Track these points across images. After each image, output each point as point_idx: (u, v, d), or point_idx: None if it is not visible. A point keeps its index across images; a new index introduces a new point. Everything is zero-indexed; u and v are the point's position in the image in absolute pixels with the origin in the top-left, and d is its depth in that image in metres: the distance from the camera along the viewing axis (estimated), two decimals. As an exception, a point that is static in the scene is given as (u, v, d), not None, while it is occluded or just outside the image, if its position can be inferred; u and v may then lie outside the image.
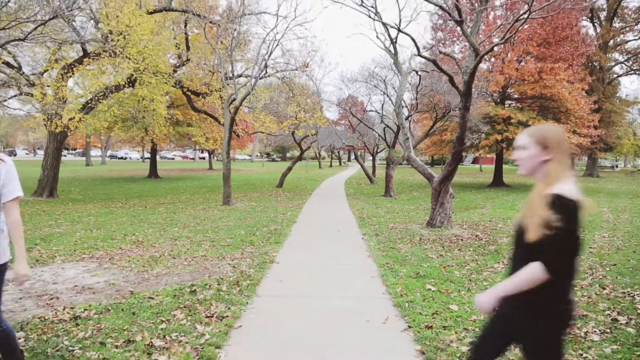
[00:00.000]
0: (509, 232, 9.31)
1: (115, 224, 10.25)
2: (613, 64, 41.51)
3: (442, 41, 28.98)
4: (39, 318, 4.02)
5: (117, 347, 3.44)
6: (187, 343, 3.49)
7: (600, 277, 5.78)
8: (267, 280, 5.42)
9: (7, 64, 15.84)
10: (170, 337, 3.62)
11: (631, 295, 4.98)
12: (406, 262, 6.42)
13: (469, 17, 11.46)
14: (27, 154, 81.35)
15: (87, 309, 4.24)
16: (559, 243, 1.84)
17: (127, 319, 4.00)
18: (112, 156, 74.44)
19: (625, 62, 42.32)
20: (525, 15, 7.07)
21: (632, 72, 42.99)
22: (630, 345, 3.60)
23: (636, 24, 39.04)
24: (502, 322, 2.14)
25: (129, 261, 6.39)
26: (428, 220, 9.84)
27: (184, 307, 4.32)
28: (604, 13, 40.10)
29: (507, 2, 20.61)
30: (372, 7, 9.48)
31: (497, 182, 27.29)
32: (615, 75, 42.61)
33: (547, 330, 1.95)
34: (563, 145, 2.04)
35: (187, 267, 6.06)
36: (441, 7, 8.19)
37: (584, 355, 3.41)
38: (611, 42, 39.67)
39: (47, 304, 4.52)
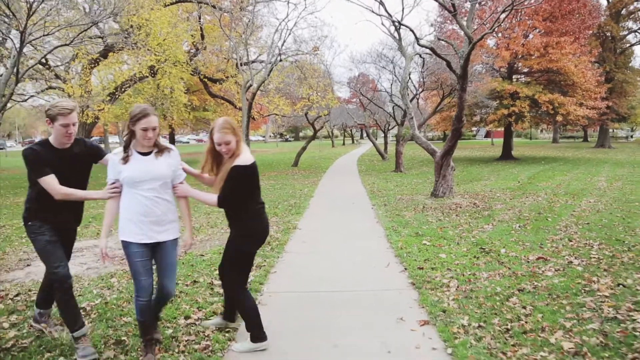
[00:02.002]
0: (504, 200, 10.35)
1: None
2: (626, 32, 41.16)
3: (449, 18, 29.52)
4: (123, 270, 5.25)
5: (187, 285, 4.66)
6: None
7: (572, 232, 6.84)
8: (292, 241, 6.62)
9: (41, 63, 17.03)
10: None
11: (591, 245, 6.04)
12: (408, 225, 7.55)
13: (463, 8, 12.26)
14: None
15: (155, 264, 5.47)
16: None
17: (188, 269, 5.21)
18: (129, 142, 76.04)
19: (639, 31, 41.76)
20: (509, 8, 7.99)
21: (646, 41, 42.40)
22: (574, 277, 4.69)
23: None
24: None
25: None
26: (432, 192, 10.91)
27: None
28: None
29: None
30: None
31: (506, 155, 28.02)
32: (628, 45, 42.21)
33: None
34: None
35: (225, 234, 7.26)
36: (436, 1, 9.11)
37: (536, 284, 4.52)
38: (624, 11, 39.41)
39: (120, 263, 5.74)
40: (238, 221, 3.27)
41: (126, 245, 2.99)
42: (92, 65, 17.32)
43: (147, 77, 18.65)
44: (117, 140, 66.61)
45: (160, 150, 3.05)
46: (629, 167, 19.56)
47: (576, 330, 3.43)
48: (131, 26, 15.99)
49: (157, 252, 3.07)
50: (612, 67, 37.75)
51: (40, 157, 3.08)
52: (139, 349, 3.22)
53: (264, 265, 5.31)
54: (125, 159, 2.95)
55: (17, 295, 4.47)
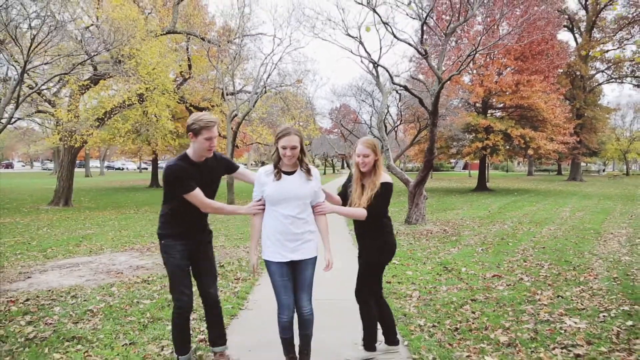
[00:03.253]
0: (473, 227, 11.11)
1: (137, 226, 11.96)
2: (594, 72, 43.30)
3: (429, 54, 30.97)
4: (120, 281, 5.77)
5: (180, 294, 5.20)
6: (227, 290, 5.26)
7: (528, 255, 7.58)
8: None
9: (31, 88, 17.53)
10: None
11: (542, 265, 6.78)
12: (381, 248, 8.20)
13: (433, 52, 13.28)
14: (23, 166, 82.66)
15: (150, 276, 6.00)
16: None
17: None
18: (109, 167, 75.78)
19: (606, 71, 43.88)
20: (474, 51, 8.93)
21: (613, 80, 44.54)
22: (522, 291, 5.39)
23: (614, 35, 40.72)
24: None
25: (164, 250, 8.13)
26: (405, 219, 11.62)
27: (219, 274, 6.07)
28: (584, 24, 41.90)
29: (466, 35, 22.60)
30: (357, 37, 11.34)
31: (481, 186, 29.07)
32: (596, 84, 44.30)
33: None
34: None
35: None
36: (410, 44, 10.04)
37: (488, 295, 5.19)
38: (591, 52, 41.62)
39: (116, 276, 6.25)
40: (378, 235, 3.45)
41: (267, 264, 3.14)
42: (82, 91, 17.86)
43: (134, 104, 19.28)
44: (98, 165, 66.55)
45: (305, 171, 3.15)
46: (596, 199, 20.65)
47: (513, 329, 4.10)
48: (122, 55, 16.68)
49: (295, 270, 3.17)
50: (582, 104, 39.63)
51: (187, 172, 3.12)
52: (147, 342, 3.77)
53: (249, 279, 5.89)
54: (276, 176, 3.08)
55: (26, 300, 4.97)
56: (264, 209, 3.17)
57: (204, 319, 3.60)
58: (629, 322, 4.24)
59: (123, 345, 3.71)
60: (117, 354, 3.53)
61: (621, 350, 3.63)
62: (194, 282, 3.35)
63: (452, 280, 5.90)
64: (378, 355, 3.55)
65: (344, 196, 3.62)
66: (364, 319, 3.57)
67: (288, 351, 3.24)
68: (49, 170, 65.72)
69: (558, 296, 5.16)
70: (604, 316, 4.45)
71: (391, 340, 3.59)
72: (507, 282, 5.83)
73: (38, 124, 26.74)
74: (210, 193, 3.29)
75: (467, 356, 3.52)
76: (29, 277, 6.22)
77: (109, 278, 6.11)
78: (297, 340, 3.26)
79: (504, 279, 6.00)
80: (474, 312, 4.58)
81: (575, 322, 4.26)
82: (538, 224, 11.76)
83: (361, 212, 3.36)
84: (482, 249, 8.14)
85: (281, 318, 3.15)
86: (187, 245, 3.25)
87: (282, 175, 3.11)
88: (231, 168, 3.55)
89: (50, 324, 4.21)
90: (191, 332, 3.84)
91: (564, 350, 3.63)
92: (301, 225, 3.11)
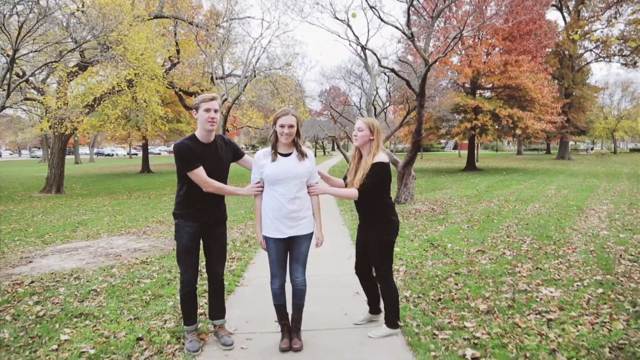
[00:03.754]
0: (460, 206, 11.43)
1: (131, 211, 12.13)
2: (582, 51, 43.52)
3: (417, 36, 31.02)
4: (120, 263, 6.00)
5: (179, 274, 5.42)
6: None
7: (511, 231, 7.90)
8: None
9: (18, 75, 17.44)
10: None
11: (524, 240, 7.10)
12: (371, 227, 8.49)
13: (422, 33, 13.42)
14: (10, 154, 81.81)
15: (148, 258, 6.24)
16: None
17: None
18: (98, 153, 75.28)
19: (594, 50, 44.05)
20: (459, 34, 9.12)
21: (601, 59, 44.70)
22: (503, 264, 5.70)
23: (603, 13, 40.80)
24: None
25: (160, 233, 8.36)
26: (395, 198, 11.90)
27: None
28: (572, 3, 41.95)
29: (454, 16, 22.69)
30: (344, 20, 11.47)
31: (470, 166, 29.45)
32: (585, 63, 44.52)
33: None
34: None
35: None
36: (396, 28, 10.20)
37: (471, 269, 5.49)
38: (580, 31, 41.75)
39: (115, 259, 6.47)
40: (379, 215, 3.58)
41: (266, 240, 3.39)
42: (70, 78, 17.80)
43: (123, 89, 19.24)
44: (87, 151, 66.22)
45: (300, 153, 3.36)
46: (582, 177, 21.09)
47: (492, 298, 4.40)
48: (110, 41, 16.61)
49: (291, 245, 3.42)
50: (570, 83, 39.97)
51: (192, 150, 3.27)
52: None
53: (244, 258, 6.14)
54: (273, 157, 3.30)
55: (31, 282, 5.19)
56: (262, 191, 3.37)
57: (205, 294, 3.84)
58: (600, 290, 4.56)
59: (128, 320, 3.95)
60: (124, 328, 3.77)
61: (589, 314, 3.94)
62: (202, 259, 3.57)
63: (437, 256, 6.20)
64: (398, 331, 3.66)
65: (346, 178, 3.75)
66: (385, 297, 3.66)
67: (281, 317, 3.52)
68: (37, 158, 65.25)
69: (537, 268, 5.47)
70: (577, 285, 4.77)
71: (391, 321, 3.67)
72: (490, 256, 6.14)
73: (25, 111, 26.59)
74: (219, 176, 3.42)
75: (448, 322, 3.81)
76: (30, 262, 6.42)
77: (108, 260, 6.34)
78: (289, 310, 3.52)
79: (487, 253, 6.31)
80: (457, 284, 4.88)
81: (551, 292, 4.57)
82: (524, 201, 12.10)
83: (351, 193, 3.49)
84: (467, 226, 8.45)
85: (272, 286, 3.45)
86: (198, 228, 3.40)
87: (279, 156, 3.32)
88: (238, 154, 3.67)
89: (57, 303, 4.44)
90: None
91: (538, 316, 3.93)
92: (298, 203, 3.33)
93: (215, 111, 3.31)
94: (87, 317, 4.02)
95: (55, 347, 3.44)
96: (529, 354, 3.18)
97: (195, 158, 3.28)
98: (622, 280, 4.88)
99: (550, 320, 3.82)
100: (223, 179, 3.47)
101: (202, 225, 3.42)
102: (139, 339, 3.56)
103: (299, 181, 3.34)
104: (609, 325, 3.67)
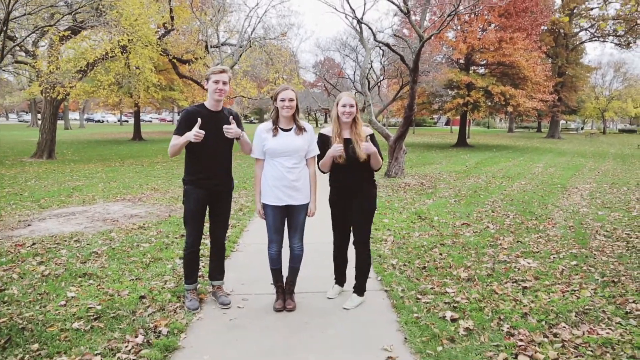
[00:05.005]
0: (449, 181, 11.71)
1: (125, 178, 12.26)
2: (578, 30, 43.41)
3: (413, 10, 30.74)
4: (118, 228, 6.20)
5: (176, 238, 5.66)
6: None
7: (496, 206, 8.20)
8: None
9: (10, 38, 17.16)
10: (205, 234, 5.86)
11: (507, 215, 7.41)
12: (361, 199, 8.74)
13: (417, 6, 13.42)
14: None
15: (145, 223, 6.45)
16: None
17: (175, 227, 6.22)
18: (88, 119, 74.40)
19: (589, 29, 43.93)
20: (453, 12, 9.20)
21: (595, 38, 44.65)
22: (486, 237, 5.99)
23: (599, -8, 40.41)
24: None
25: (155, 200, 8.55)
26: (385, 172, 12.15)
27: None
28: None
29: None
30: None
31: (461, 142, 29.70)
32: (579, 42, 44.45)
33: None
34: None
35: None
36: (392, 2, 10.22)
37: (455, 240, 5.77)
38: (576, 10, 41.58)
39: (113, 224, 6.66)
40: (373, 182, 3.80)
41: (265, 207, 3.59)
42: (62, 42, 17.58)
43: (116, 55, 19.04)
44: (77, 117, 65.44)
45: (299, 127, 3.56)
46: (570, 156, 21.47)
47: (474, 267, 4.69)
48: (103, 5, 16.37)
49: (289, 214, 3.64)
50: (563, 62, 40.00)
51: (188, 117, 3.49)
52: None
53: (238, 225, 6.38)
54: (274, 132, 3.50)
55: (33, 244, 5.38)
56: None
57: (207, 256, 4.07)
58: (573, 262, 4.87)
59: (130, 280, 4.18)
60: (126, 287, 4.00)
61: (561, 283, 4.24)
62: (207, 223, 3.78)
63: (424, 228, 6.47)
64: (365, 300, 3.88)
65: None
66: (365, 266, 3.85)
67: (276, 280, 3.77)
68: (25, 122, 64.39)
69: (518, 241, 5.77)
70: (553, 257, 5.07)
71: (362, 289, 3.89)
72: (474, 229, 6.43)
73: (13, 74, 26.19)
74: (223, 145, 3.59)
75: (431, 288, 4.09)
76: (29, 225, 6.59)
77: (106, 225, 6.53)
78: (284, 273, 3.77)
79: (471, 227, 6.60)
80: (441, 254, 5.16)
81: (529, 263, 4.86)
82: (510, 178, 12.41)
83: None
84: (455, 201, 8.73)
85: (270, 251, 3.69)
86: (204, 194, 3.60)
87: (280, 131, 3.53)
88: (239, 125, 3.73)
89: (60, 264, 4.65)
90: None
91: (514, 284, 4.23)
92: (297, 173, 3.54)
93: (225, 83, 3.51)
94: (91, 277, 4.24)
95: (63, 302, 3.66)
96: (503, 317, 3.47)
97: (185, 125, 3.47)
98: (595, 254, 5.20)
99: (525, 288, 4.12)
100: (226, 147, 3.64)
101: (208, 193, 3.62)
102: (142, 297, 3.80)
103: (298, 154, 3.54)
104: (578, 293, 3.98)
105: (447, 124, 76.21)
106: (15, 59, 19.45)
